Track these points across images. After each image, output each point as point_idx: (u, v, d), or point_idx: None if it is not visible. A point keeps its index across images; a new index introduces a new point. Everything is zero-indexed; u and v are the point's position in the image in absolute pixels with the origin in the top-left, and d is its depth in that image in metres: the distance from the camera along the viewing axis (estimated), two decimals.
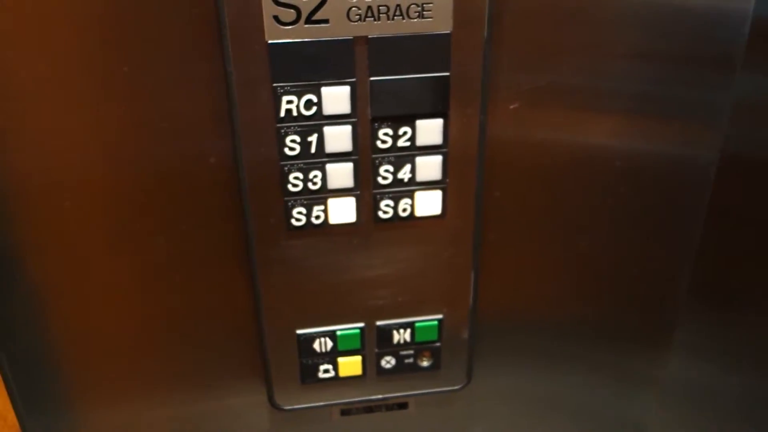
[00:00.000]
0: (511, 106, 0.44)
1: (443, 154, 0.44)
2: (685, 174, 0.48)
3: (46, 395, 0.50)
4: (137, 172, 0.43)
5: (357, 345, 0.51)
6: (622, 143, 0.46)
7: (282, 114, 0.41)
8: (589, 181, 0.47)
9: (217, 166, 0.43)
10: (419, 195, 0.46)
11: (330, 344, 0.51)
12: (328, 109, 0.42)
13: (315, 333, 0.50)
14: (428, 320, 0.51)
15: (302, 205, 0.45)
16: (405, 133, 0.43)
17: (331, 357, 0.51)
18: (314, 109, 0.42)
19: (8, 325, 0.47)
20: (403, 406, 0.56)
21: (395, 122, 0.43)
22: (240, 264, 0.47)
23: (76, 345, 0.49)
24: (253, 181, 0.43)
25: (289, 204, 0.45)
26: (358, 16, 0.39)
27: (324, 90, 0.41)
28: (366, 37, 0.40)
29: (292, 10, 0.38)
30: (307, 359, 0.51)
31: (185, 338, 0.50)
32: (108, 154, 0.42)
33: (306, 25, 0.39)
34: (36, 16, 0.37)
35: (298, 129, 0.42)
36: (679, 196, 0.49)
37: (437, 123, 0.43)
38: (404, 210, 0.46)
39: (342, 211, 0.45)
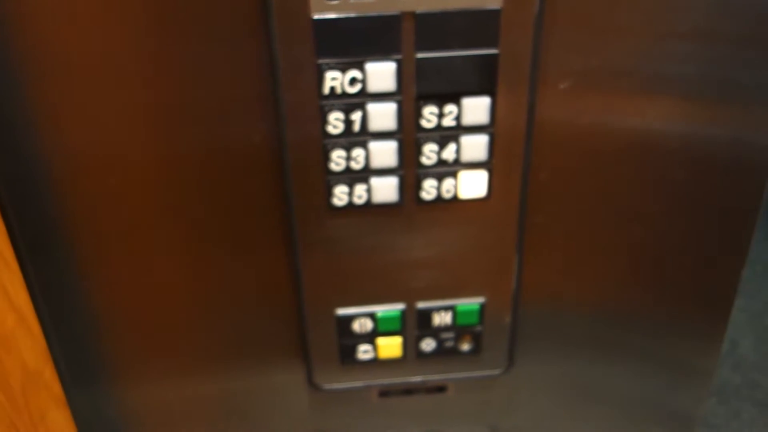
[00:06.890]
0: (562, 86, 0.42)
1: (489, 134, 0.43)
2: (743, 160, 0.46)
3: (92, 370, 0.51)
4: (181, 151, 0.43)
5: (397, 327, 0.51)
6: (678, 127, 0.44)
7: (326, 91, 0.41)
8: (642, 166, 0.46)
9: (261, 144, 0.43)
10: (464, 175, 0.45)
11: (370, 325, 0.50)
12: (373, 86, 0.41)
13: (355, 314, 0.50)
14: (470, 303, 0.50)
15: (345, 184, 0.44)
16: (451, 111, 0.42)
17: (371, 338, 0.51)
18: (359, 86, 0.41)
19: (57, 300, 0.48)
20: (442, 389, 0.56)
21: (441, 100, 0.42)
22: (282, 243, 0.47)
23: (120, 322, 0.49)
24: (295, 160, 0.43)
25: (332, 183, 0.44)
26: None
27: (369, 66, 0.40)
28: (413, 12, 0.39)
29: None
30: (347, 340, 0.51)
31: (226, 317, 0.50)
32: (152, 132, 0.42)
33: (352, 0, 0.38)
34: None
35: (342, 106, 0.41)
36: (736, 183, 0.47)
37: (484, 102, 0.42)
38: (448, 191, 0.45)
39: (384, 191, 0.45)
